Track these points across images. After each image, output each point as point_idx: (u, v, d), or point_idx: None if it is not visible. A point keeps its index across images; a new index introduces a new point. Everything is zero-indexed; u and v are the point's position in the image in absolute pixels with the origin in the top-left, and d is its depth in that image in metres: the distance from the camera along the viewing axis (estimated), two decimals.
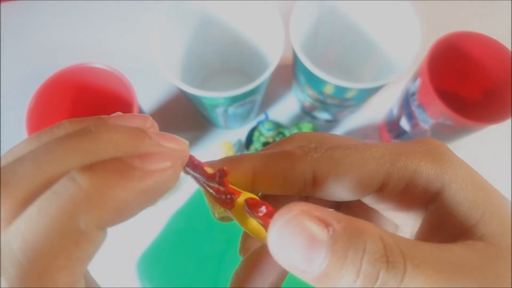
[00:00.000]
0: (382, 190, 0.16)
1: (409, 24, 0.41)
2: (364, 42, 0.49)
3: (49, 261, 0.11)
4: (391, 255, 0.12)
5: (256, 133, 0.50)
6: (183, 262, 0.44)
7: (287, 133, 0.50)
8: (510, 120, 0.38)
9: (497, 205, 0.14)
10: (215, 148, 0.52)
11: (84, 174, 0.11)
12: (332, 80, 0.38)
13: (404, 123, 0.46)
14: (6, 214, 0.12)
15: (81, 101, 0.45)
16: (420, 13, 0.41)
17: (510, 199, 0.15)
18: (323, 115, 0.51)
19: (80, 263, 0.12)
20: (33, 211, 0.11)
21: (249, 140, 0.51)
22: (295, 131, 0.50)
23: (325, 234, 0.12)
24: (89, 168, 0.12)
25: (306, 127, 0.50)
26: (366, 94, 0.42)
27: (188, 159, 0.15)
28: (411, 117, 0.44)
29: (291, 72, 0.49)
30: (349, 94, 0.41)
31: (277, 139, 0.50)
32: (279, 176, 0.16)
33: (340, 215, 0.12)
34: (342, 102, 0.44)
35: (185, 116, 0.54)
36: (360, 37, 0.49)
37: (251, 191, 0.16)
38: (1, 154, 0.13)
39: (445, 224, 0.15)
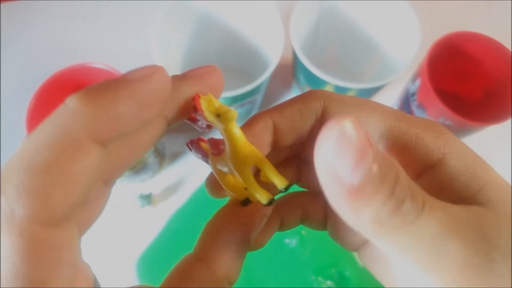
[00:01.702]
0: (381, 143, 0.16)
1: (409, 24, 0.41)
2: (364, 42, 0.49)
3: (44, 173, 0.11)
4: (414, 190, 0.13)
5: None
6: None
7: None
8: (510, 120, 0.38)
9: (496, 177, 0.15)
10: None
11: (72, 96, 0.12)
12: (332, 80, 0.38)
13: None
14: None
15: None
16: (420, 13, 0.41)
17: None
18: None
19: (75, 178, 0.12)
20: (33, 133, 0.12)
21: None
22: None
23: (371, 150, 0.12)
24: (80, 92, 0.12)
25: None
26: (366, 94, 0.42)
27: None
28: None
29: (291, 72, 0.49)
30: (349, 94, 0.41)
31: None
32: (295, 116, 0.17)
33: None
34: None
35: None
36: (360, 37, 0.49)
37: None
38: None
39: (444, 192, 0.15)
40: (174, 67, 0.44)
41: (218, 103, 0.15)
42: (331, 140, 0.12)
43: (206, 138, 0.17)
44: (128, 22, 0.59)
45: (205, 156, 0.17)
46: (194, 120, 0.16)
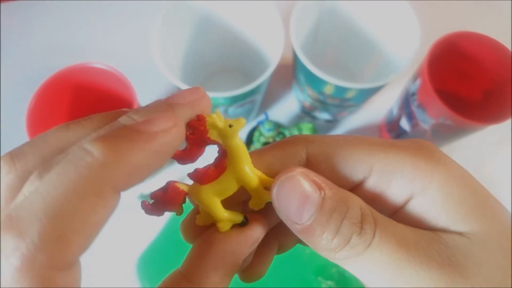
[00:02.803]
0: (369, 178, 0.16)
1: (409, 24, 0.41)
2: (364, 42, 0.49)
3: (68, 221, 0.11)
4: (365, 223, 0.14)
5: (256, 133, 0.50)
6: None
7: (287, 133, 0.50)
8: (510, 120, 0.38)
9: (488, 207, 0.15)
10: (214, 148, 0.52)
11: (95, 143, 0.12)
12: (332, 80, 0.38)
13: (404, 123, 0.46)
14: (14, 182, 0.13)
15: (81, 101, 0.45)
16: (420, 13, 0.41)
17: (510, 199, 0.15)
18: (323, 115, 0.51)
19: (94, 227, 0.12)
20: (51, 177, 0.12)
21: (249, 140, 0.51)
22: (295, 131, 0.50)
23: (317, 194, 0.14)
24: (99, 138, 0.13)
25: (306, 127, 0.50)
26: (366, 94, 0.42)
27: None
28: (411, 117, 0.44)
29: (291, 72, 0.49)
30: (349, 94, 0.41)
31: (277, 139, 0.50)
32: (275, 161, 0.17)
33: (332, 184, 0.15)
34: (342, 102, 0.44)
35: None
36: (360, 37, 0.49)
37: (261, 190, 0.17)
38: (1, 154, 0.14)
39: (421, 223, 0.16)
40: (174, 67, 0.44)
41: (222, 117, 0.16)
42: (281, 188, 0.15)
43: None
44: (128, 22, 0.59)
45: (173, 203, 0.16)
46: (182, 155, 0.16)
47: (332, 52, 0.53)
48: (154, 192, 0.16)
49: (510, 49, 0.41)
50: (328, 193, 0.14)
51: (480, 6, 0.58)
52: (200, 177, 0.16)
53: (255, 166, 0.16)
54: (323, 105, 0.46)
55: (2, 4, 0.59)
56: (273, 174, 0.16)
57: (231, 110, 0.43)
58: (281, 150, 0.17)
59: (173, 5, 0.41)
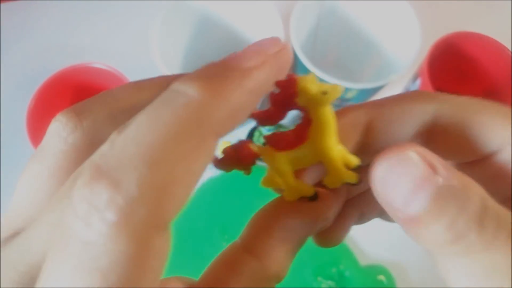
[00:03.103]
0: (501, 152, 0.14)
1: (409, 24, 0.41)
2: (364, 42, 0.49)
3: (169, 169, 0.10)
4: (487, 220, 0.12)
5: (256, 133, 0.50)
6: (183, 262, 0.44)
7: None
8: None
9: None
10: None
11: (189, 83, 0.11)
12: (332, 80, 0.38)
13: None
14: (83, 142, 0.12)
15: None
16: (420, 13, 0.41)
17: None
18: None
19: (195, 177, 0.10)
20: (142, 119, 0.10)
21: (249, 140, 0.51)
22: None
23: (434, 180, 0.12)
24: (190, 78, 0.11)
25: None
26: (366, 94, 0.42)
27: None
28: None
29: (291, 72, 0.49)
30: (349, 94, 0.41)
31: None
32: (396, 117, 0.15)
33: (451, 167, 0.12)
34: (342, 102, 0.44)
35: None
36: (360, 37, 0.49)
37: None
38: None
39: (500, 181, 0.14)
40: (174, 67, 0.44)
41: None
42: (389, 170, 0.12)
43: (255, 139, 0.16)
44: (128, 22, 0.59)
45: (247, 160, 0.15)
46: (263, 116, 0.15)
47: (332, 52, 0.53)
48: (226, 148, 0.15)
49: (510, 49, 0.41)
50: (445, 177, 0.12)
51: (480, 6, 0.58)
52: (277, 143, 0.15)
53: (371, 121, 0.14)
54: None
55: (2, 4, 0.59)
56: (382, 139, 0.14)
57: None
58: (407, 103, 0.15)
59: (173, 5, 0.41)
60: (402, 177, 0.12)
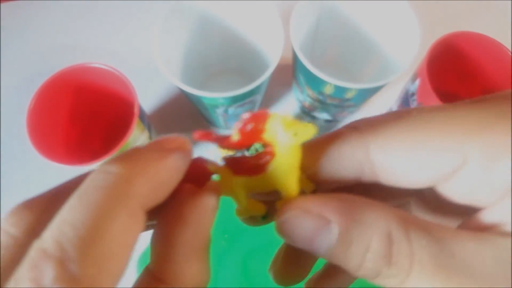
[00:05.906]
0: (463, 169, 0.13)
1: (408, 24, 0.41)
2: (364, 42, 0.49)
3: (104, 246, 0.10)
4: (396, 254, 0.12)
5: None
6: None
7: None
8: None
9: None
10: (214, 148, 0.52)
11: (110, 163, 0.12)
12: (332, 80, 0.38)
13: None
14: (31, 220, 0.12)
15: (82, 101, 0.45)
16: (420, 13, 0.41)
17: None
18: (323, 115, 0.51)
19: (129, 249, 0.11)
20: (73, 203, 0.11)
21: None
22: None
23: (327, 231, 0.12)
24: (114, 159, 0.12)
25: None
26: (366, 94, 0.42)
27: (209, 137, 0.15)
28: None
29: (291, 72, 0.49)
30: (349, 94, 0.41)
31: None
32: (330, 164, 0.15)
33: (347, 209, 0.12)
34: (342, 102, 0.44)
35: (185, 116, 0.54)
36: (360, 37, 0.49)
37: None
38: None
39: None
40: (174, 67, 0.44)
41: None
42: (285, 229, 0.14)
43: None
44: (129, 23, 0.59)
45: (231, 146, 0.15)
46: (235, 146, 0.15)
47: (332, 52, 0.53)
48: None
49: (510, 49, 0.41)
50: (338, 223, 0.12)
51: (480, 6, 0.59)
52: (236, 167, 0.15)
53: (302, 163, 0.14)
54: (323, 105, 0.46)
55: (2, 4, 0.59)
56: (322, 178, 0.15)
57: (231, 110, 0.43)
58: (337, 153, 0.15)
59: (174, 5, 0.41)
60: (298, 234, 0.13)
